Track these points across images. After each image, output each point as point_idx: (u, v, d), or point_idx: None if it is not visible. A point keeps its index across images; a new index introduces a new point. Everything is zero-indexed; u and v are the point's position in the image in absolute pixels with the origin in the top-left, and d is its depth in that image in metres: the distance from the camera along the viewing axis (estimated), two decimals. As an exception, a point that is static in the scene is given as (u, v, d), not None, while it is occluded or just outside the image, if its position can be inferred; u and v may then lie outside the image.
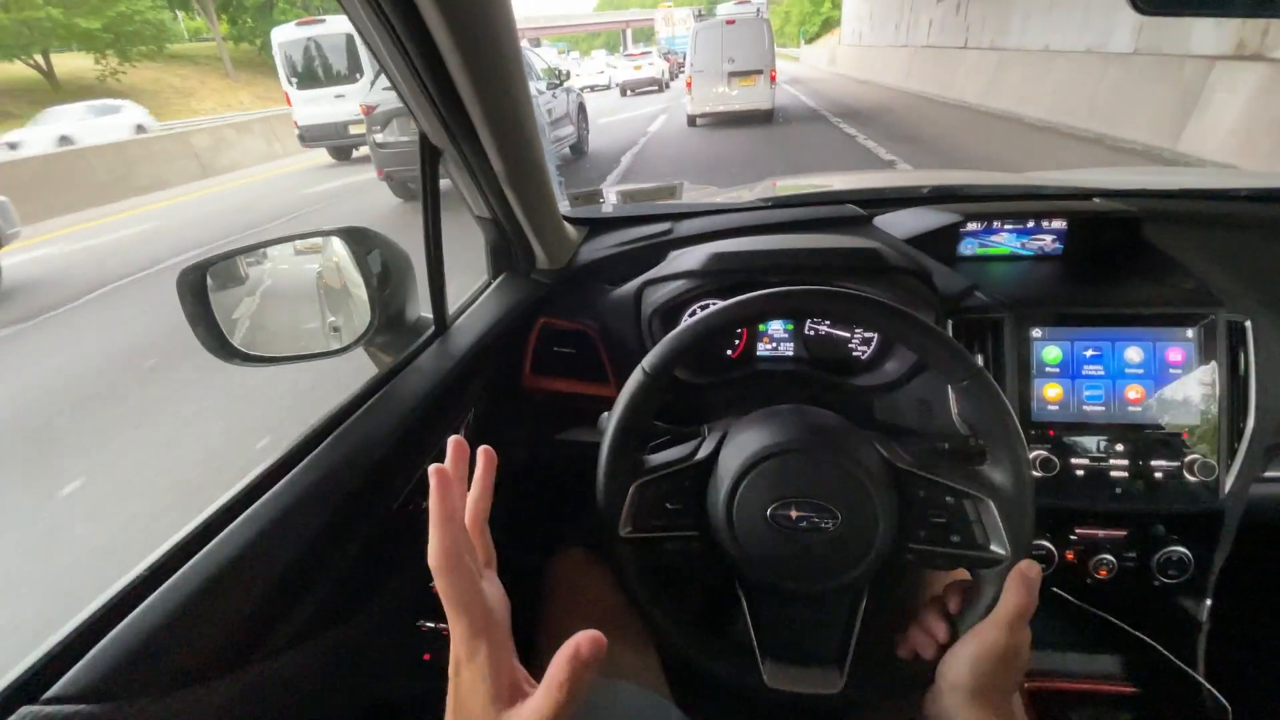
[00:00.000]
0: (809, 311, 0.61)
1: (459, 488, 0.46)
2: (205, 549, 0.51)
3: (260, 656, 0.50)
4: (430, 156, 0.73)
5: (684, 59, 31.55)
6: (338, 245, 0.84)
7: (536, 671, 0.73)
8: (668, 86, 23.33)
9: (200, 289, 0.77)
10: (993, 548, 0.55)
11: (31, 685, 0.39)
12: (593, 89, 25.21)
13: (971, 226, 0.94)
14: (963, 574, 0.58)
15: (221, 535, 0.52)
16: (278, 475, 0.59)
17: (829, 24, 36.51)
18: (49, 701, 0.38)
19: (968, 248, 0.99)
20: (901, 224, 0.98)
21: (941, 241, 0.96)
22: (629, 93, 21.34)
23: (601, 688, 0.70)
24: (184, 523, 0.53)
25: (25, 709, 0.38)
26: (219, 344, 0.77)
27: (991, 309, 0.81)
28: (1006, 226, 0.95)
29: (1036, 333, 0.80)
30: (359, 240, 0.78)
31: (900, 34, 17.21)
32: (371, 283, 0.78)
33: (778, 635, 0.60)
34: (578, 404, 0.98)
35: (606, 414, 0.63)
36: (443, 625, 0.75)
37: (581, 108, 9.09)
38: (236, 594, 0.48)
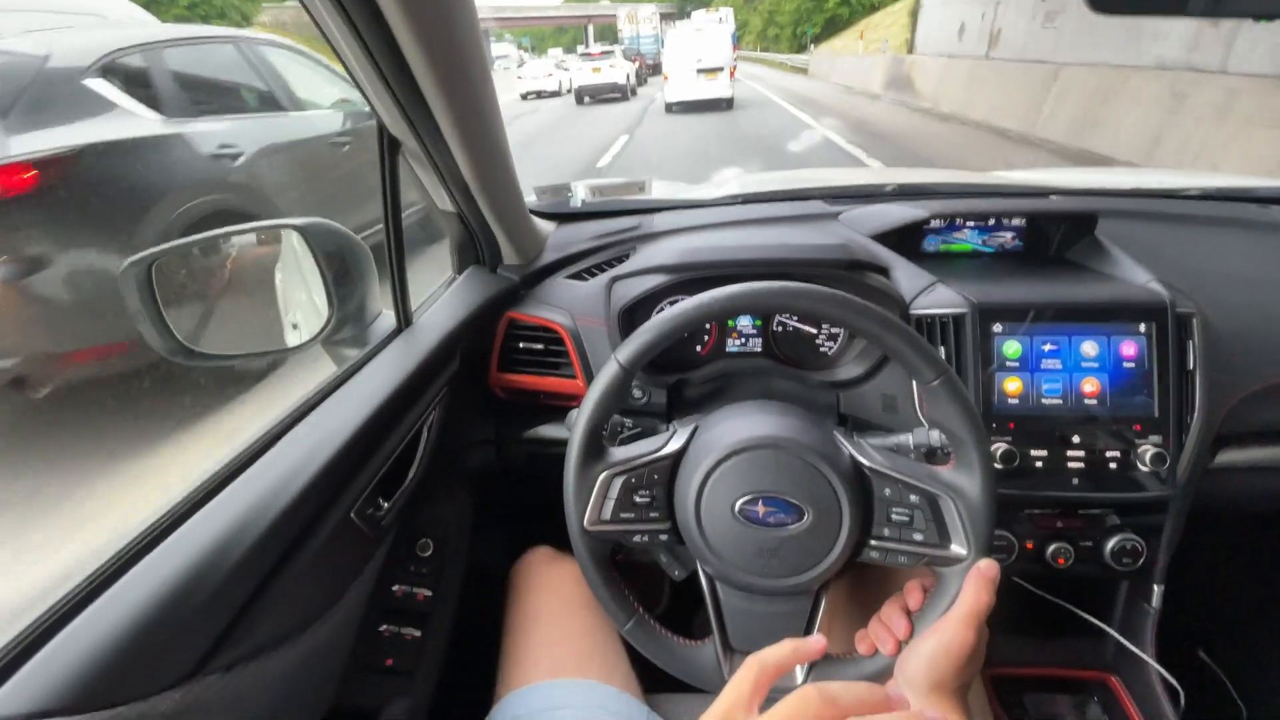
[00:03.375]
0: (781, 308, 0.61)
1: None
2: (150, 555, 0.48)
3: (214, 669, 0.47)
4: (389, 147, 0.71)
5: (652, 60, 30.99)
6: (296, 238, 0.81)
7: (505, 673, 0.72)
8: (634, 94, 18.70)
9: (146, 283, 0.73)
10: (953, 546, 0.55)
11: None
12: (538, 95, 20.78)
13: (935, 224, 0.96)
14: (924, 571, 0.59)
15: (168, 541, 0.50)
16: (228, 479, 0.56)
17: (835, 23, 30.48)
18: None
19: (931, 245, 1.00)
20: (868, 220, 0.99)
21: (906, 238, 0.97)
22: (586, 100, 17.38)
23: (569, 686, 0.69)
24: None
25: None
26: (171, 343, 0.74)
27: (954, 305, 0.82)
28: (969, 224, 0.96)
29: (997, 328, 0.81)
30: (317, 233, 0.75)
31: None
32: (329, 277, 0.75)
33: (740, 629, 0.60)
34: (545, 401, 0.97)
35: (575, 410, 0.62)
36: (405, 630, 0.73)
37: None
38: (186, 603, 0.46)
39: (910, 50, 15.99)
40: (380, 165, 0.71)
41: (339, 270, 0.77)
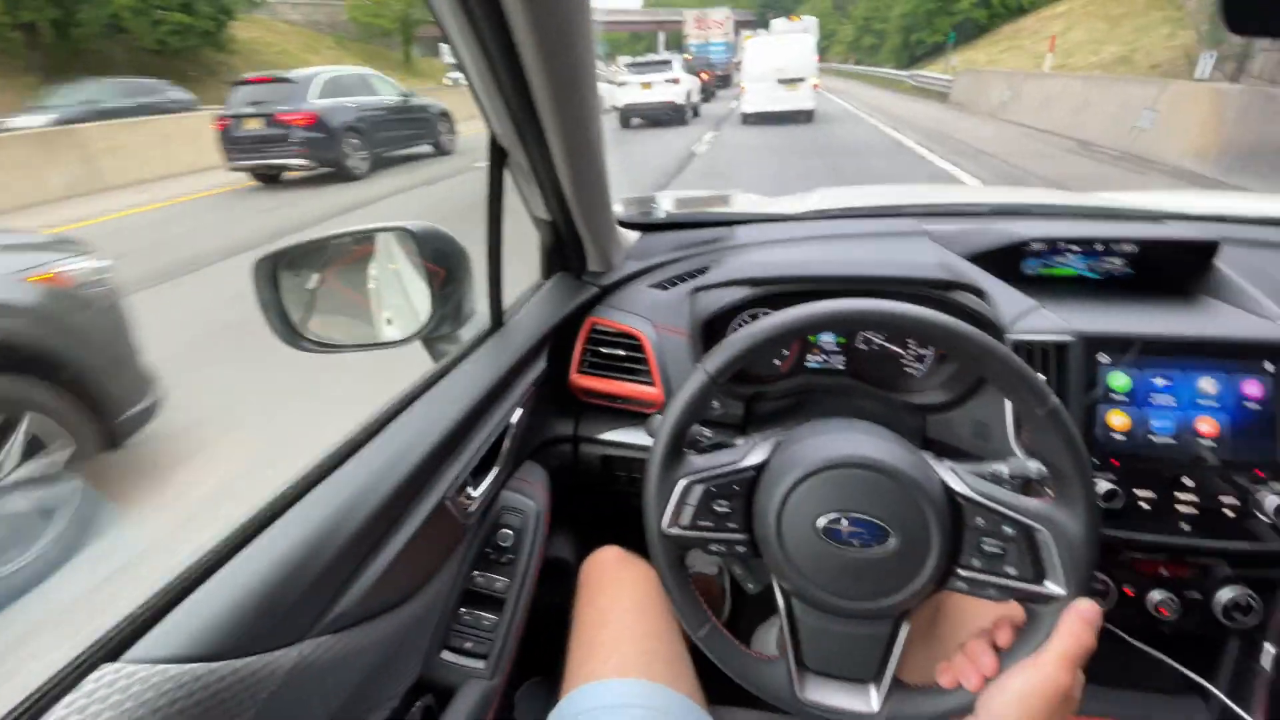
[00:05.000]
0: (879, 326, 0.60)
1: None
2: (274, 526, 0.53)
3: (319, 631, 0.52)
4: (498, 158, 0.75)
5: (723, 70, 27.47)
6: (399, 239, 0.87)
7: (573, 666, 0.74)
8: (696, 115, 14.63)
9: (273, 277, 0.80)
10: (1049, 584, 0.53)
11: (114, 645, 0.42)
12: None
13: (1036, 247, 0.92)
14: (1015, 607, 0.57)
15: (289, 514, 0.55)
16: (340, 462, 0.61)
17: (967, 30, 22.44)
18: (130, 661, 0.41)
19: (1031, 268, 0.96)
20: (962, 240, 0.96)
21: (1004, 260, 0.93)
22: (633, 123, 13.59)
23: (636, 686, 0.70)
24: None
25: (107, 665, 0.40)
26: (288, 331, 0.81)
27: (1057, 331, 0.78)
28: (1073, 248, 0.92)
29: (1104, 358, 0.77)
30: (422, 235, 0.81)
31: None
32: (432, 277, 0.81)
33: (815, 648, 0.60)
34: (621, 405, 0.99)
35: (659, 415, 0.63)
36: (484, 614, 0.77)
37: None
38: (304, 570, 0.51)
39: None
40: (489, 174, 0.75)
41: (441, 270, 0.82)
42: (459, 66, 0.64)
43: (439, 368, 0.78)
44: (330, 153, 7.96)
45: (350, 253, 0.95)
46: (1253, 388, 0.74)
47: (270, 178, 8.53)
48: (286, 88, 8.05)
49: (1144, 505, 0.76)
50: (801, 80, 12.45)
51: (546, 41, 0.58)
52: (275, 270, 0.81)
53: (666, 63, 13.68)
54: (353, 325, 0.94)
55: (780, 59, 12.41)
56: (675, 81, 13.24)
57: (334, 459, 0.61)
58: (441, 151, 10.17)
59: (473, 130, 10.77)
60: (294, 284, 0.84)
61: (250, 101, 7.85)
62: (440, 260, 0.82)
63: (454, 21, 0.56)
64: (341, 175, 8.08)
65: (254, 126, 7.75)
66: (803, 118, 12.64)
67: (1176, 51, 11.79)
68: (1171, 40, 12.43)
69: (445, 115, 10.21)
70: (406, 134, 9.62)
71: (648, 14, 62.61)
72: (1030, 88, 11.88)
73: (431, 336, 0.86)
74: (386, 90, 9.25)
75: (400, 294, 0.90)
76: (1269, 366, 0.74)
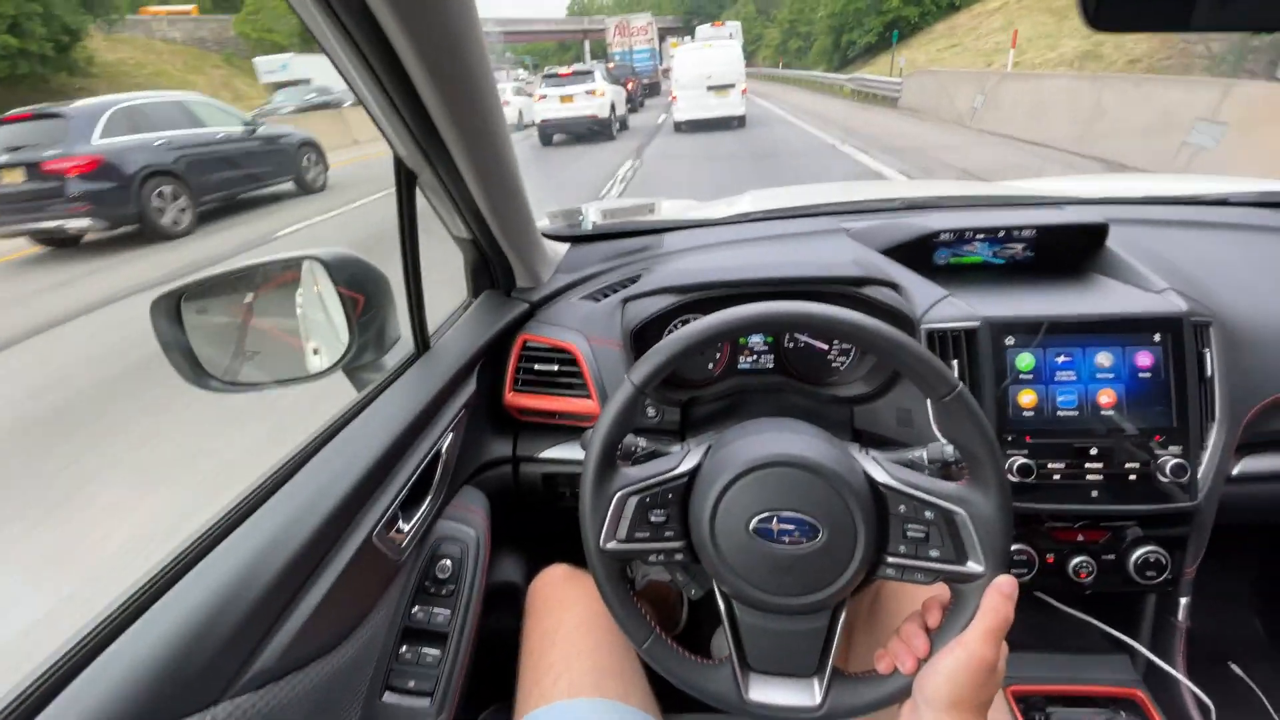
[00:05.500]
0: (790, 327, 0.62)
1: None
2: (179, 585, 0.50)
3: (236, 692, 0.49)
4: (406, 180, 0.73)
5: (649, 79, 26.91)
6: (316, 268, 0.84)
7: (523, 693, 0.73)
8: (624, 128, 13.78)
9: (175, 316, 0.76)
10: (970, 563, 0.55)
11: None
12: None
13: (945, 237, 0.96)
14: (943, 588, 0.59)
15: (196, 570, 0.51)
16: (254, 508, 0.58)
17: (899, 29, 21.40)
18: None
19: (942, 258, 1.01)
20: (877, 235, 1.00)
21: (917, 252, 0.97)
22: (555, 139, 12.82)
23: (587, 706, 0.70)
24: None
25: None
26: (196, 371, 0.77)
27: (965, 318, 0.82)
28: (979, 237, 0.97)
29: (1009, 340, 0.81)
30: (337, 264, 0.78)
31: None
32: (348, 305, 0.78)
33: (757, 648, 0.60)
34: (560, 421, 0.98)
35: (590, 430, 0.63)
36: (425, 651, 0.74)
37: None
38: (214, 629, 0.48)
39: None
40: (398, 197, 0.73)
41: (357, 297, 0.80)
42: (350, 88, 0.62)
43: (360, 399, 0.75)
44: (125, 207, 5.94)
45: (265, 283, 0.92)
46: (1145, 359, 0.80)
47: (64, 241, 6.27)
48: (56, 126, 5.94)
49: (1056, 477, 0.80)
50: (731, 86, 12.50)
51: (433, 56, 0.57)
52: (178, 307, 0.77)
53: (588, 73, 12.63)
54: (272, 360, 0.90)
55: (709, 66, 12.42)
56: (598, 93, 12.14)
57: (246, 505, 0.58)
58: (307, 189, 8.36)
59: (347, 159, 9.54)
60: (201, 321, 0.80)
61: (7, 147, 5.70)
62: (357, 287, 0.80)
63: (333, 40, 0.55)
64: (151, 234, 6.10)
65: (14, 180, 5.61)
66: (735, 123, 12.69)
67: (1168, 46, 9.51)
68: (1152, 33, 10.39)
69: (309, 145, 8.47)
70: (254, 172, 7.66)
71: (570, 22, 59.54)
72: (1010, 91, 10.02)
73: (353, 366, 0.83)
74: (219, 119, 7.30)
75: (326, 324, 0.87)
76: (1157, 338, 0.79)
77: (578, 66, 13.85)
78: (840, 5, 25.32)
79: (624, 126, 13.91)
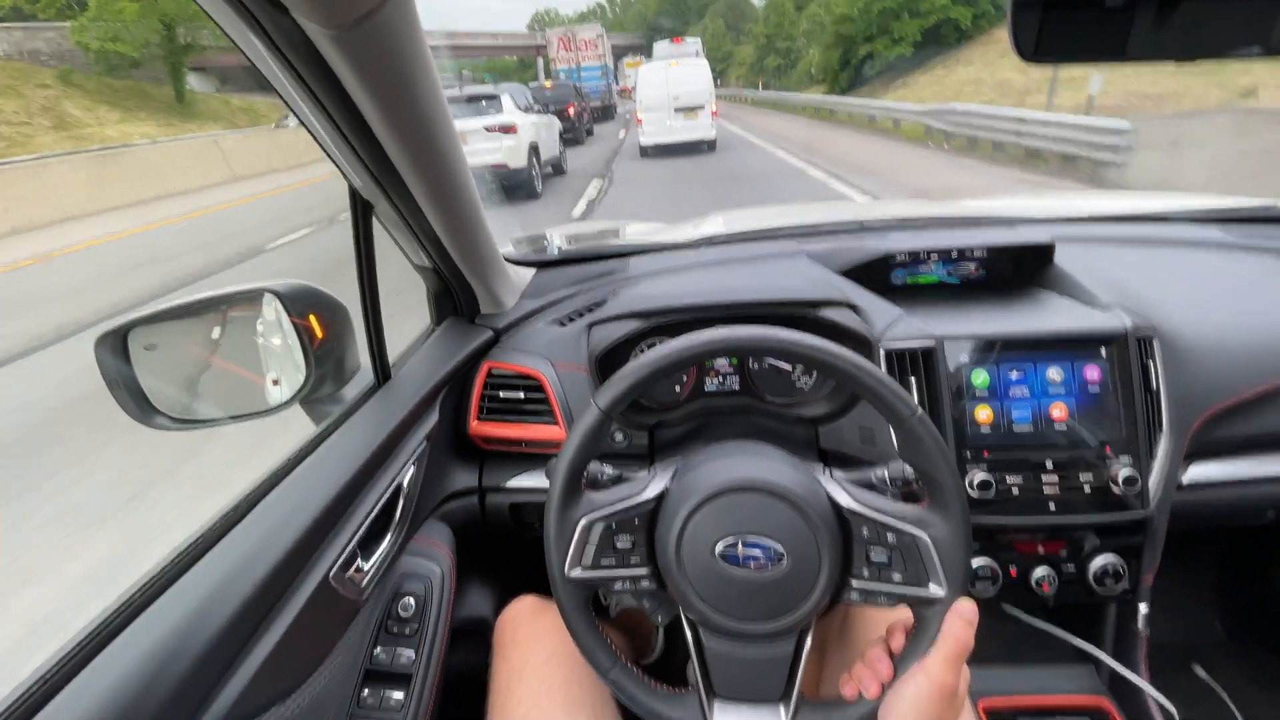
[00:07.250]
0: (751, 352, 0.63)
1: None
2: (126, 631, 0.48)
3: None
4: (362, 210, 0.73)
5: (598, 101, 21.96)
6: (272, 300, 0.82)
7: None
8: (561, 172, 10.03)
9: (121, 352, 0.74)
10: (931, 586, 0.56)
11: None
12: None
13: (901, 258, 0.99)
14: (906, 611, 0.59)
15: (144, 615, 0.49)
16: (205, 550, 0.56)
17: (937, 40, 16.19)
18: None
19: (899, 278, 1.03)
20: (836, 257, 1.02)
21: (874, 272, 1.00)
22: None
23: None
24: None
25: None
26: (143, 408, 0.74)
27: (921, 337, 0.84)
28: (933, 257, 0.99)
29: (964, 358, 0.83)
30: (293, 295, 0.77)
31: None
32: (305, 336, 0.76)
33: (723, 675, 0.60)
34: (527, 449, 0.97)
35: (556, 457, 0.62)
36: (388, 694, 0.72)
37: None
38: (153, 683, 0.46)
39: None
40: (354, 228, 0.72)
41: (315, 328, 0.78)
42: (299, 120, 0.61)
43: (318, 433, 0.74)
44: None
45: (217, 317, 0.89)
46: (1093, 373, 0.82)
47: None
48: None
49: (1015, 491, 0.82)
50: (700, 108, 11.97)
51: (382, 88, 0.56)
52: (125, 343, 0.75)
53: (493, 98, 8.28)
54: (225, 395, 0.87)
55: (676, 86, 11.82)
56: (508, 129, 7.80)
57: (195, 549, 0.56)
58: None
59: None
60: (150, 357, 0.78)
61: None
62: (314, 317, 0.78)
63: (278, 72, 0.54)
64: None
65: None
66: (705, 148, 12.12)
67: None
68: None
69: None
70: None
71: (522, 37, 50.91)
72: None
73: (311, 399, 0.81)
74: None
75: (284, 356, 0.85)
76: (1103, 352, 0.82)
77: (475, 89, 9.28)
78: (857, 6, 18.26)
79: (558, 171, 9.94)
